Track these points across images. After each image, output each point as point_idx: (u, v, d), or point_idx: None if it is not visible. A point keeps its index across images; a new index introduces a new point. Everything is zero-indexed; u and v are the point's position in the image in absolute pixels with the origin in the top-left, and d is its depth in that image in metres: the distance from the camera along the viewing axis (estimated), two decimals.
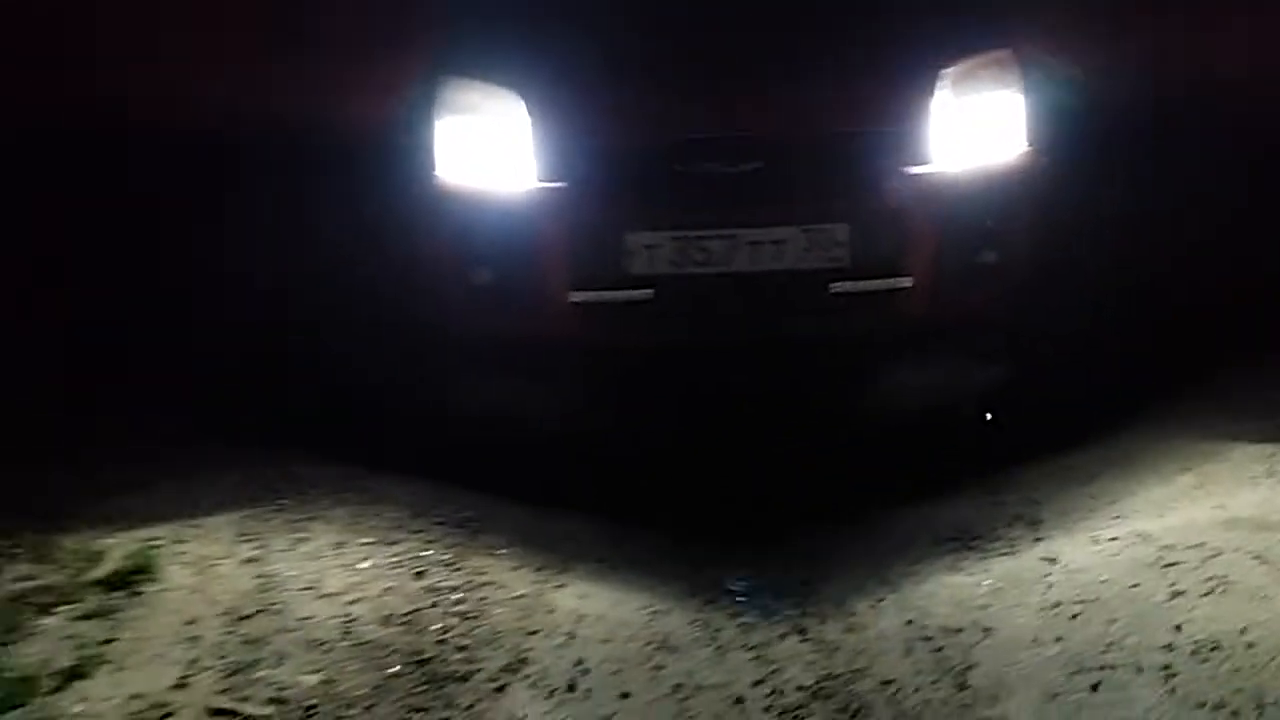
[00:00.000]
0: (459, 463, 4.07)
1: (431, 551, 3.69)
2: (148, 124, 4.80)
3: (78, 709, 3.10)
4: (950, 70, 4.02)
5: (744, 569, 3.58)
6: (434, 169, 4.12)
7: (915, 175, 3.98)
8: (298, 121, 4.65)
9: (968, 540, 3.63)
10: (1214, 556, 3.42)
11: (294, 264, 4.59)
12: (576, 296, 4.00)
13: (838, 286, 3.96)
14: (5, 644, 3.34)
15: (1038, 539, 3.61)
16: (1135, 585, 3.35)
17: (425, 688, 3.15)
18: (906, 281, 3.98)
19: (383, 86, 4.34)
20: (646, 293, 3.96)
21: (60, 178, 4.89)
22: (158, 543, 3.75)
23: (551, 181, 3.98)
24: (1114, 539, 3.57)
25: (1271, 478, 3.79)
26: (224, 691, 3.18)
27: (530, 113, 3.97)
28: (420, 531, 3.78)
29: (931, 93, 3.99)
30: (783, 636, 3.29)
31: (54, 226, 4.92)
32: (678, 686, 3.11)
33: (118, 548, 3.71)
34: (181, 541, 3.75)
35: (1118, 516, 3.68)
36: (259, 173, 4.66)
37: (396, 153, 4.17)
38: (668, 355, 4.06)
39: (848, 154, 3.94)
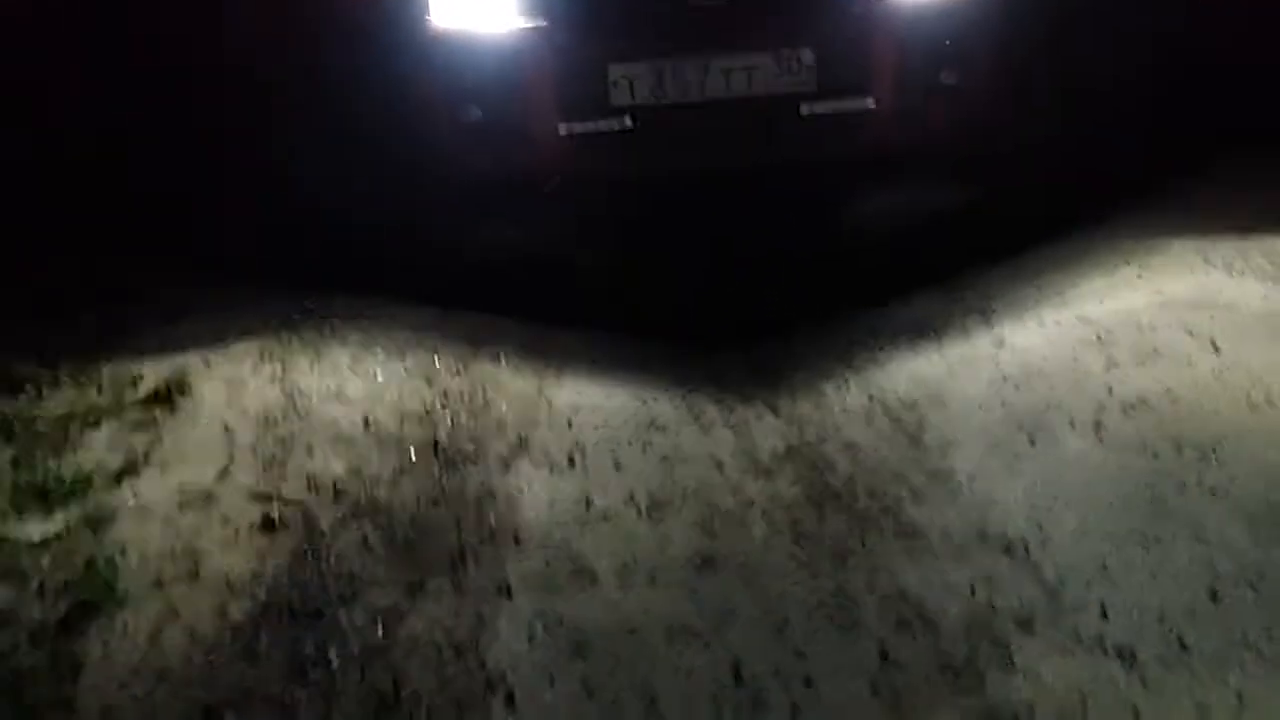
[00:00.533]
0: (460, 291, 4.36)
1: (439, 362, 4.02)
2: None
3: (131, 500, 3.47)
4: None
5: (726, 363, 3.90)
6: (427, 12, 4.36)
7: (875, 2, 4.24)
8: None
9: (926, 331, 3.97)
10: (1149, 330, 3.77)
11: (297, 116, 4.82)
12: (563, 128, 4.29)
13: (806, 108, 4.24)
14: (59, 454, 3.72)
15: (989, 326, 3.94)
16: (1075, 359, 3.72)
17: (442, 470, 3.52)
18: (870, 103, 4.28)
19: None
20: (628, 121, 4.25)
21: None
22: (189, 363, 4.07)
23: (538, 19, 4.24)
24: (1058, 323, 3.93)
25: (1206, 265, 4.14)
26: (262, 479, 3.56)
27: None
28: (427, 347, 4.10)
29: None
30: (758, 415, 3.65)
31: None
32: (664, 457, 3.49)
33: (152, 373, 4.03)
34: (210, 365, 4.08)
35: (1063, 304, 4.01)
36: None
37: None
38: (652, 182, 4.36)
39: None
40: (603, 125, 4.29)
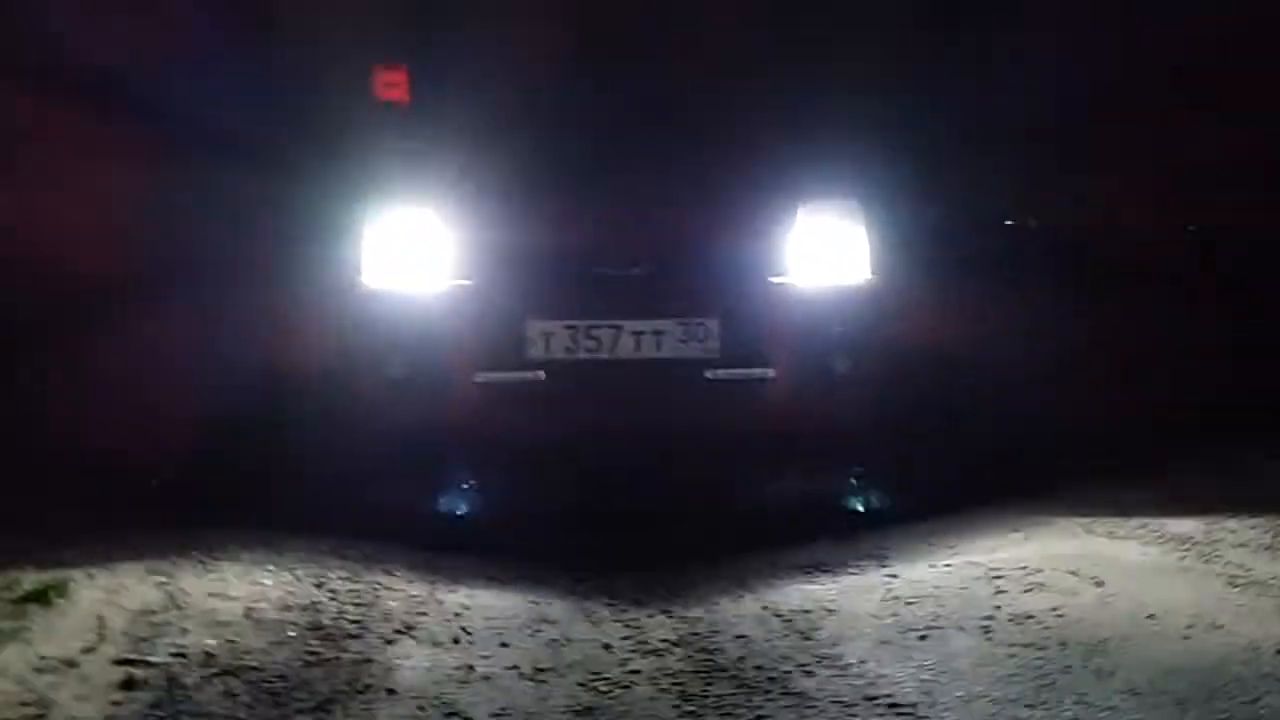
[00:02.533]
0: (363, 526, 4.37)
1: (331, 573, 3.97)
2: None
3: None
4: (806, 207, 4.75)
5: (621, 584, 3.89)
6: (359, 274, 4.67)
7: (775, 284, 4.62)
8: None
9: (822, 567, 4.03)
10: (1035, 572, 3.87)
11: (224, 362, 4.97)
12: (479, 378, 4.49)
13: (711, 373, 4.50)
14: None
15: (883, 566, 4.01)
16: (964, 588, 3.78)
17: (320, 643, 3.41)
18: (771, 372, 4.55)
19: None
20: (540, 374, 4.47)
21: None
22: (71, 575, 3.97)
23: (463, 280, 4.55)
24: (949, 565, 4.01)
25: (1089, 534, 4.29)
26: (129, 652, 3.41)
27: (445, 222, 4.60)
28: (321, 562, 4.06)
29: (791, 222, 4.70)
30: (650, 615, 3.63)
31: None
32: (553, 640, 3.42)
33: (31, 580, 3.92)
34: (93, 576, 3.97)
35: (954, 554, 4.11)
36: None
37: (324, 262, 4.71)
38: (564, 434, 4.51)
39: (718, 262, 4.61)
40: (516, 377, 4.49)
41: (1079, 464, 4.87)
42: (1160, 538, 4.19)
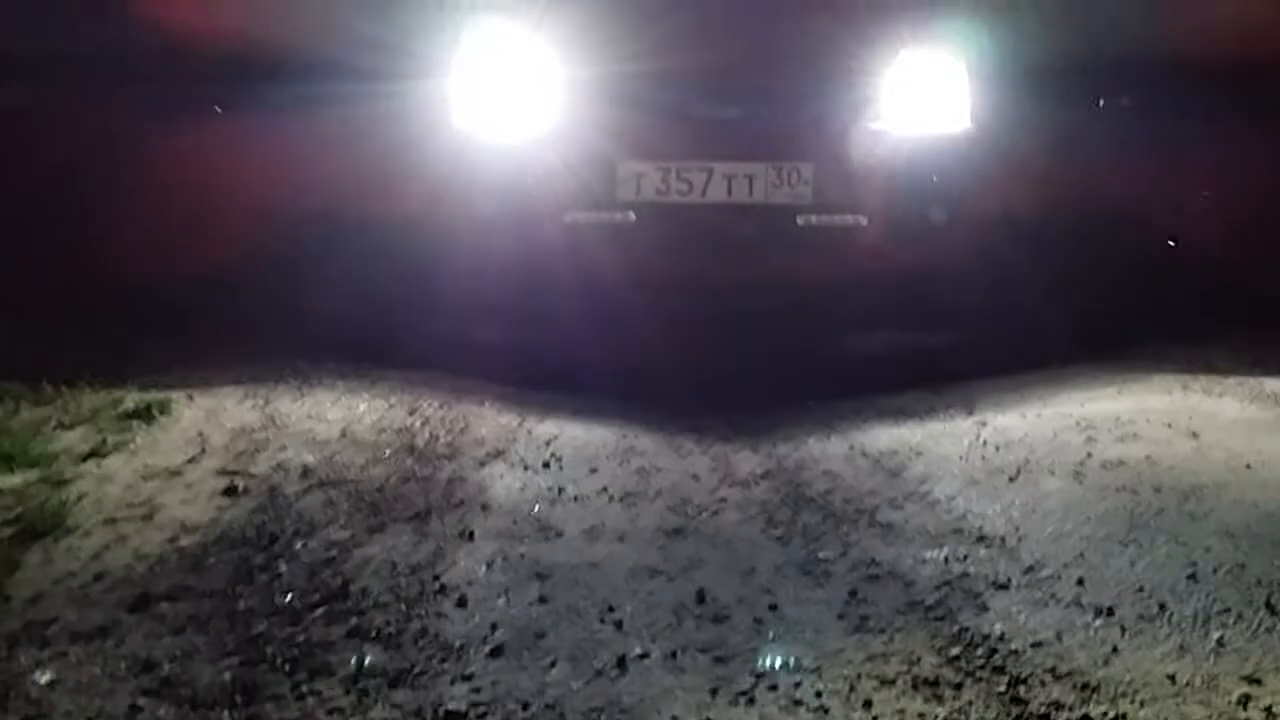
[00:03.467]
0: (459, 363, 4.40)
1: (424, 402, 4.03)
2: None
3: (95, 470, 3.42)
4: (906, 49, 4.62)
5: (709, 423, 3.91)
6: (450, 115, 4.63)
7: (872, 131, 4.52)
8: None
9: (910, 414, 4.00)
10: (1128, 423, 3.82)
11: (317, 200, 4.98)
12: (569, 217, 4.47)
13: (803, 219, 4.45)
14: (27, 442, 3.66)
15: (971, 414, 3.98)
16: (1055, 436, 3.74)
17: (414, 462, 3.48)
18: (863, 219, 4.48)
19: None
20: (630, 215, 4.44)
21: None
22: (172, 397, 4.07)
23: (554, 120, 4.50)
24: (1039, 415, 3.97)
25: (1184, 389, 4.22)
26: (231, 464, 3.51)
27: (538, 60, 4.53)
28: (414, 392, 4.11)
29: (890, 66, 4.58)
30: (737, 450, 3.64)
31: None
32: (641, 469, 3.46)
33: (134, 399, 4.02)
34: (192, 397, 4.07)
35: (1044, 405, 4.06)
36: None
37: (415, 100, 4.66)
38: (653, 276, 4.48)
39: (814, 106, 4.51)
40: (605, 217, 4.46)
41: (1178, 325, 4.75)
42: (1258, 396, 4.12)
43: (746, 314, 4.45)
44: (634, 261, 4.45)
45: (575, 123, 4.47)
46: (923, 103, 4.60)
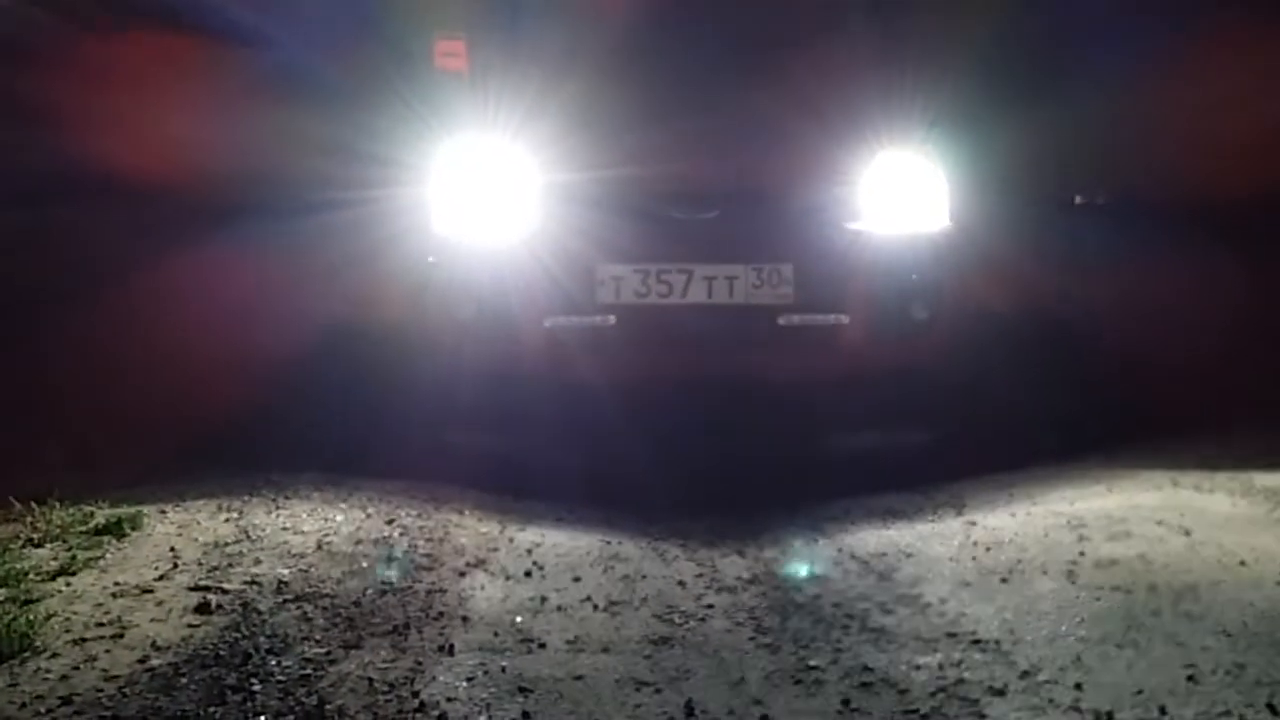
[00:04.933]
0: (435, 470, 4.35)
1: (402, 511, 3.96)
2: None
3: (64, 589, 3.33)
4: (884, 151, 4.66)
5: (693, 529, 3.84)
6: (430, 220, 4.64)
7: (851, 230, 4.54)
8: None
9: (898, 515, 3.95)
10: (1120, 521, 3.78)
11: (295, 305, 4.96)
12: (549, 322, 4.45)
13: (784, 319, 4.43)
14: None
15: (961, 514, 3.93)
16: (1046, 535, 3.69)
17: (393, 574, 3.40)
18: (845, 318, 4.47)
19: None
20: (610, 319, 4.42)
21: None
22: (144, 511, 3.99)
23: (533, 224, 4.50)
24: (1029, 514, 3.93)
25: (1173, 486, 4.18)
26: (203, 579, 3.42)
27: (515, 166, 4.55)
28: (392, 501, 4.05)
29: (868, 166, 4.62)
30: (724, 555, 3.58)
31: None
32: (625, 577, 3.39)
33: (104, 514, 3.94)
34: (165, 512, 4.00)
35: (1033, 504, 4.02)
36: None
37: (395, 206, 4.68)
38: (635, 379, 4.45)
39: (793, 207, 4.53)
40: (586, 321, 4.44)
41: (1164, 419, 4.73)
42: (1248, 491, 4.08)
43: (730, 415, 4.42)
44: (615, 364, 4.44)
45: (554, 227, 4.48)
46: (901, 202, 4.63)
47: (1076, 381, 4.87)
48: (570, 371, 4.47)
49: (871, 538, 3.70)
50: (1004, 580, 3.30)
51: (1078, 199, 5.33)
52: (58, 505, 3.99)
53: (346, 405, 4.64)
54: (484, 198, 4.62)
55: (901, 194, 4.65)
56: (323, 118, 4.99)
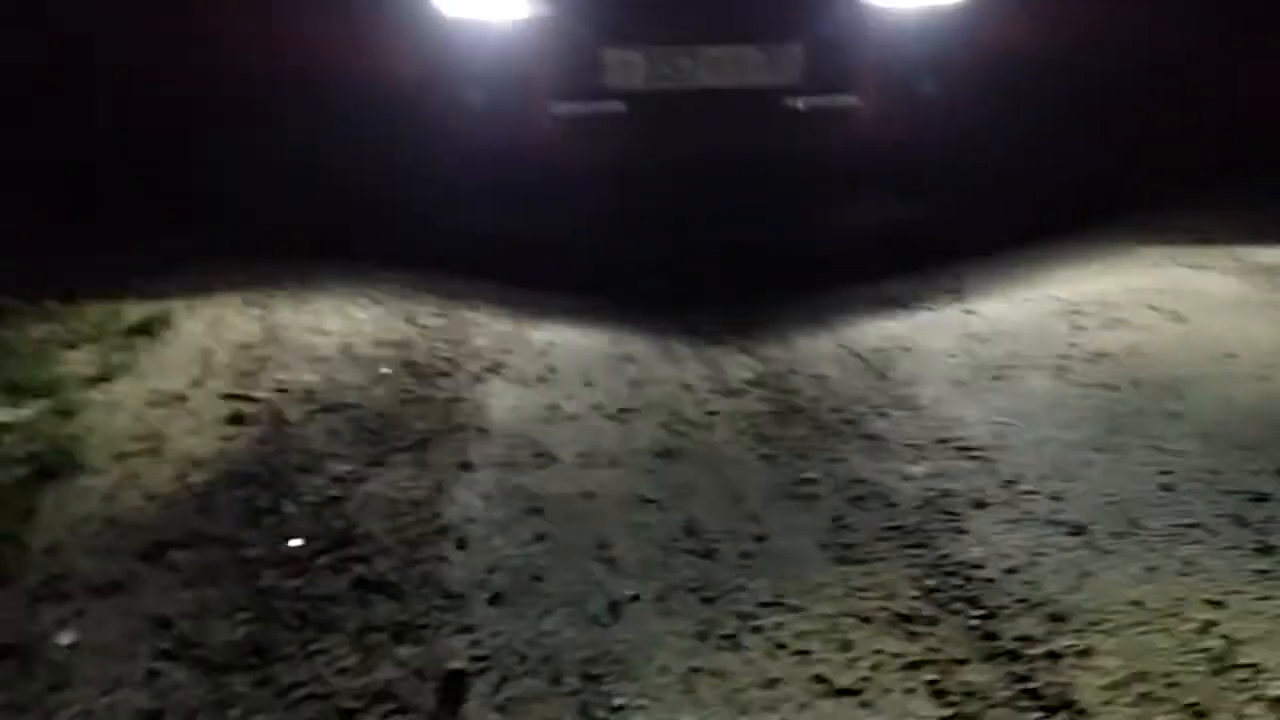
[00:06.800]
0: (446, 259, 4.45)
1: (422, 307, 4.08)
2: None
3: (101, 398, 3.50)
4: None
5: (701, 319, 3.96)
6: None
7: (862, 5, 4.44)
8: None
9: (899, 302, 4.05)
10: (1114, 306, 3.87)
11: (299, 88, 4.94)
12: (557, 109, 4.44)
13: (792, 100, 4.41)
14: (35, 365, 3.74)
15: (959, 302, 4.03)
16: (1041, 325, 3.79)
17: (413, 380, 3.56)
18: (854, 99, 4.44)
19: None
20: (618, 105, 4.40)
21: None
22: (173, 307, 4.12)
23: (539, 6, 4.42)
24: (1027, 300, 4.02)
25: (1172, 264, 4.25)
26: (234, 386, 3.59)
27: None
28: (411, 297, 4.17)
29: None
30: (728, 353, 3.71)
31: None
32: (634, 380, 3.53)
33: (136, 311, 4.08)
34: (193, 307, 4.13)
35: (1031, 287, 4.11)
36: None
37: None
38: (640, 169, 4.48)
39: None
40: (595, 108, 4.43)
41: (1167, 191, 4.75)
42: (1244, 269, 4.15)
43: (739, 199, 4.48)
44: (624, 149, 4.46)
45: (558, 9, 4.40)
46: None
47: (1088, 147, 4.87)
48: (580, 156, 4.50)
49: (872, 330, 3.81)
50: (996, 378, 3.43)
51: None
52: (89, 303, 4.13)
53: (358, 188, 4.71)
54: None
55: None
56: None
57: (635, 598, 2.46)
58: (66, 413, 3.42)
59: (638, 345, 3.76)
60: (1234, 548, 2.57)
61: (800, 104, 4.43)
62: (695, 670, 2.24)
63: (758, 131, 4.47)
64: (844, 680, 2.21)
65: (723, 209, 4.52)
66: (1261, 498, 2.74)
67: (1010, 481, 2.86)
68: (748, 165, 4.49)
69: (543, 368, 3.60)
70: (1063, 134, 4.79)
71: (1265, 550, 2.55)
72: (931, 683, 2.19)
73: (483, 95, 4.50)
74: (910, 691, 2.17)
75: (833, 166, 4.50)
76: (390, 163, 4.64)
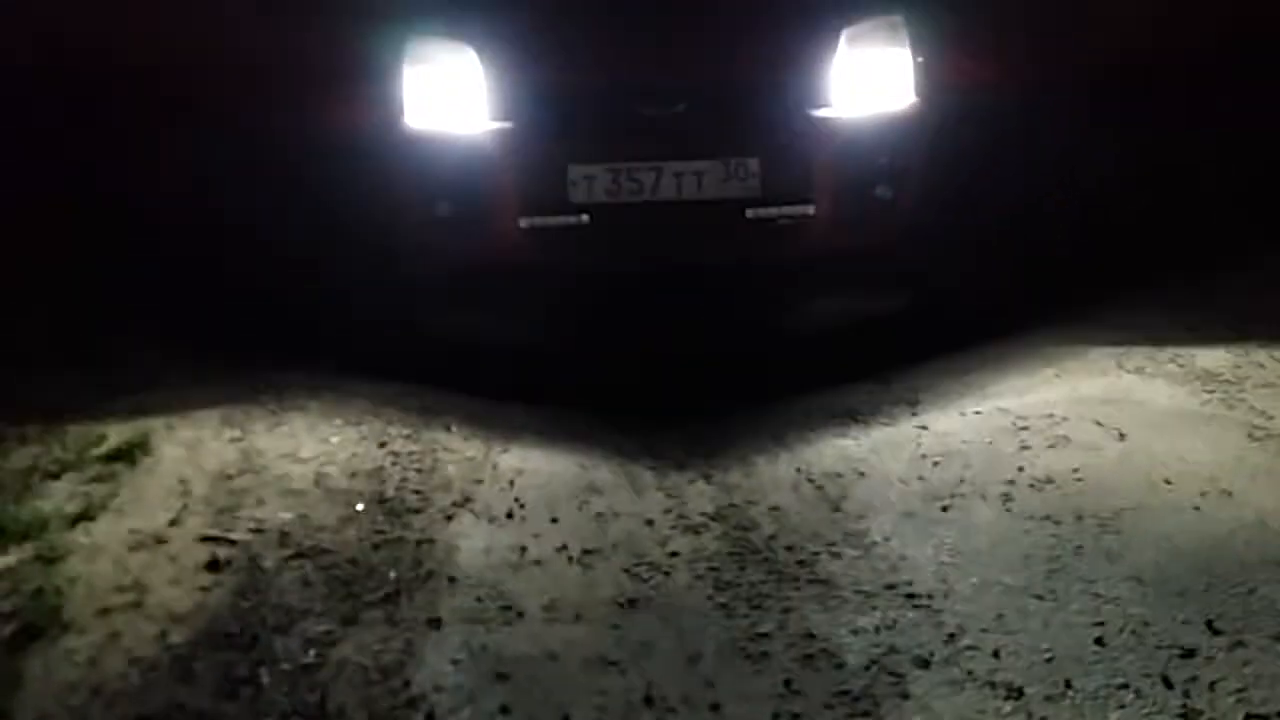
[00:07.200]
0: (420, 370, 4.59)
1: (394, 429, 4.22)
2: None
3: (85, 541, 3.62)
4: (849, 29, 4.65)
5: (664, 440, 4.12)
6: (402, 115, 4.70)
7: (818, 117, 4.59)
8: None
9: (855, 416, 4.20)
10: (1060, 422, 4.01)
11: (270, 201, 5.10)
12: (524, 222, 4.58)
13: (751, 212, 4.56)
14: (19, 500, 3.87)
15: (914, 414, 4.18)
16: (990, 442, 3.95)
17: (385, 518, 3.70)
18: (811, 209, 4.59)
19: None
20: (583, 218, 4.55)
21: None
22: (152, 427, 4.25)
23: (503, 122, 4.57)
24: (978, 413, 4.17)
25: (1119, 369, 4.40)
26: (212, 526, 3.72)
27: (483, 62, 4.58)
28: (384, 416, 4.30)
29: (833, 48, 4.62)
30: (691, 481, 3.86)
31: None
32: (599, 514, 3.68)
33: (116, 433, 4.21)
34: (173, 428, 4.26)
35: (984, 398, 4.26)
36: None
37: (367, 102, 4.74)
38: (604, 276, 4.64)
39: (759, 98, 4.57)
40: (560, 221, 4.58)
41: (1121, 282, 4.92)
42: (1189, 375, 4.31)
43: (701, 309, 4.63)
44: (589, 260, 4.61)
45: (523, 126, 4.55)
46: (866, 83, 4.66)
47: (1040, 254, 5.04)
48: (547, 268, 4.65)
49: (830, 451, 3.96)
50: (945, 508, 3.58)
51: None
52: (71, 424, 4.25)
53: (328, 300, 4.85)
54: (455, 95, 4.67)
55: (866, 74, 4.68)
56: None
57: None
58: (50, 560, 3.53)
59: (603, 473, 3.90)
60: (1159, 712, 2.71)
61: (760, 214, 4.57)
62: None
63: (719, 242, 4.63)
64: None
65: (687, 319, 4.66)
66: (1189, 653, 2.88)
67: (953, 635, 3.00)
68: (709, 275, 4.63)
69: (511, 501, 3.73)
70: (1016, 231, 4.94)
71: (1186, 716, 2.69)
72: None
73: (452, 209, 4.63)
74: None
75: (794, 274, 4.65)
76: (363, 271, 4.78)
